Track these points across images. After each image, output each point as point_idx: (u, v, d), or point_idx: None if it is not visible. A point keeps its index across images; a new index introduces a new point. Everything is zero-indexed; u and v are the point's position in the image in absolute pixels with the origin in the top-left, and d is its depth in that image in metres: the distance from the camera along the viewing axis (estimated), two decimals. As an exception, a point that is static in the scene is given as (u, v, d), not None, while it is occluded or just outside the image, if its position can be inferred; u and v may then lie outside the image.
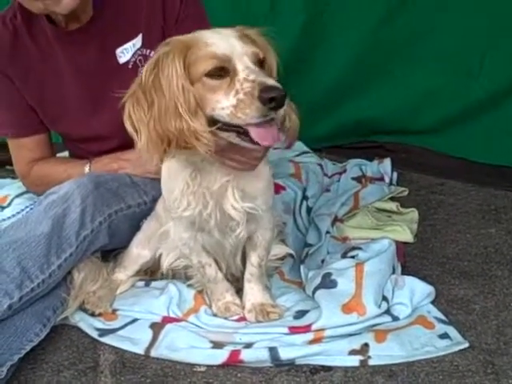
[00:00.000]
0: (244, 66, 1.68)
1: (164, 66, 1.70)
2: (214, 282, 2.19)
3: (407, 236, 2.61)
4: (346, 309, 2.03)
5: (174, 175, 1.96)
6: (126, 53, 2.35)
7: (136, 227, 2.38)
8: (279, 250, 2.31)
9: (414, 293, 2.13)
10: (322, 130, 3.56)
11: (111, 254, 2.47)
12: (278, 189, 2.80)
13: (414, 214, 2.82)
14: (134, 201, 2.36)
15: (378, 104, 3.46)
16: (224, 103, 1.68)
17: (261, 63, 1.76)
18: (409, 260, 2.49)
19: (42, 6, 2.15)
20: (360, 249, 2.32)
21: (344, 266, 2.19)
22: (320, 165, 3.13)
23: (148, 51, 2.35)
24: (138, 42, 2.35)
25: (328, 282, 2.14)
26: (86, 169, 2.44)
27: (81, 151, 2.58)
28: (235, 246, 2.15)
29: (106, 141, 2.44)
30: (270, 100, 1.61)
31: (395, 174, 3.19)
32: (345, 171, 3.11)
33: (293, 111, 1.84)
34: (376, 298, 2.05)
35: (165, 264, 2.27)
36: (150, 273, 2.43)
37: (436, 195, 3.07)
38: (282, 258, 2.35)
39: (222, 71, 1.68)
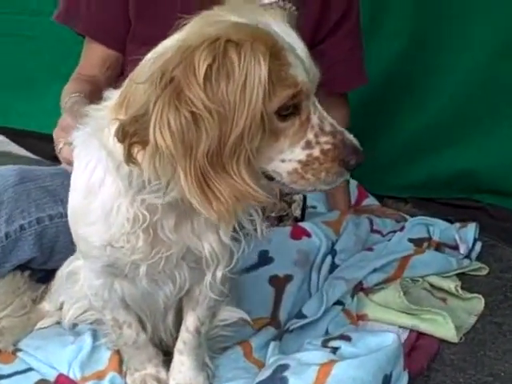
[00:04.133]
0: (314, 105, 1.20)
1: (240, 65, 1.07)
2: (133, 346, 1.58)
3: (449, 332, 1.84)
4: (279, 431, 1.32)
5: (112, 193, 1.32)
6: None
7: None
8: (229, 313, 1.62)
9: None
10: (411, 176, 2.88)
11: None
12: (299, 233, 2.14)
13: (478, 302, 2.03)
14: None
15: (484, 155, 2.72)
16: (287, 155, 1.18)
17: None
18: (437, 367, 1.74)
19: None
20: (348, 339, 1.60)
21: (311, 361, 1.49)
22: (369, 218, 2.39)
23: None
24: None
25: (276, 380, 1.46)
26: None
27: None
28: (172, 299, 1.51)
29: None
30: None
31: (479, 245, 2.38)
32: (402, 229, 2.33)
33: None
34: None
35: (67, 317, 1.68)
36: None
37: (525, 283, 2.22)
38: (230, 325, 1.65)
39: (293, 109, 1.17)
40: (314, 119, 1.19)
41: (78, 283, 1.55)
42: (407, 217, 2.55)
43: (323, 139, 1.18)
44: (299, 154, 1.18)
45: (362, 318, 1.89)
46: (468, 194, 2.82)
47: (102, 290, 1.48)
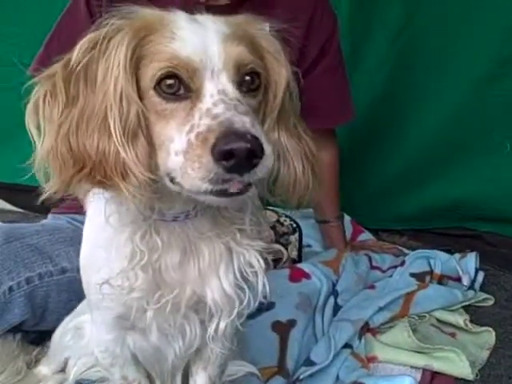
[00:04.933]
0: (216, 88, 1.03)
1: (108, 48, 1.05)
2: None
3: (463, 370, 1.78)
4: None
5: (110, 232, 1.23)
6: None
7: (80, 301, 1.70)
8: (237, 367, 1.53)
9: None
10: (403, 208, 2.82)
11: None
12: (298, 275, 2.07)
13: (489, 336, 1.98)
14: (72, 263, 1.73)
15: (478, 183, 2.67)
16: (177, 145, 1.01)
17: (252, 79, 1.09)
18: (456, 408, 1.65)
19: None
20: (364, 386, 1.52)
21: (327, 412, 1.40)
22: (367, 255, 2.33)
23: None
24: None
25: None
26: None
27: None
28: (181, 357, 1.41)
29: None
30: (227, 155, 0.95)
31: (481, 275, 2.33)
32: (403, 263, 2.27)
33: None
34: None
35: (72, 373, 1.56)
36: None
37: (534, 313, 2.17)
38: (237, 379, 1.56)
39: (181, 87, 1.04)
40: (207, 101, 1.01)
41: (83, 339, 1.47)
42: (405, 250, 2.49)
43: (203, 121, 0.99)
44: (183, 141, 1.00)
45: (372, 360, 1.83)
46: (462, 223, 2.78)
47: (114, 346, 1.38)
